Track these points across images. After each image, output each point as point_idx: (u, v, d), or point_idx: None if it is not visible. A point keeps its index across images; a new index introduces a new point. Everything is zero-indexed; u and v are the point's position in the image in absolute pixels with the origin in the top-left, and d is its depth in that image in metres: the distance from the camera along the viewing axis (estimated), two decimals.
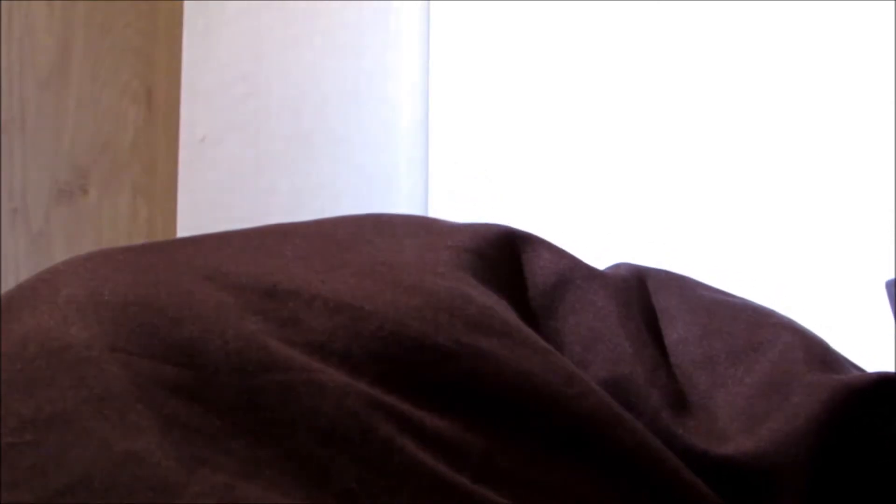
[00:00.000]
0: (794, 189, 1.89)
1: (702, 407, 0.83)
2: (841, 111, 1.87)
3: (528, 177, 2.13)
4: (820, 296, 1.79)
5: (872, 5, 1.83)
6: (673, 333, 0.88)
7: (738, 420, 0.81)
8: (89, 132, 2.05)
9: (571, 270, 0.88)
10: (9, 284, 1.88)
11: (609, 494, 0.71)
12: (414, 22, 2.24)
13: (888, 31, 1.81)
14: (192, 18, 2.15)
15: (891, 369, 0.92)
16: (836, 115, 1.87)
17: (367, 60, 2.19)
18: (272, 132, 2.15)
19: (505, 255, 0.85)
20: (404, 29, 2.23)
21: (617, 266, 0.96)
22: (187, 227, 2.19)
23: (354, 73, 2.18)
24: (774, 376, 0.84)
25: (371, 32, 2.20)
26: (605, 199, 2.03)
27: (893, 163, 1.82)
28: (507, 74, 2.17)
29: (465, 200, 2.19)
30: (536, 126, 2.10)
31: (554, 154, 2.07)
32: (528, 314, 0.84)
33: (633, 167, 2.03)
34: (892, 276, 1.41)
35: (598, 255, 1.03)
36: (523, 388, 0.71)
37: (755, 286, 1.76)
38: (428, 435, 0.65)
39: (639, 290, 0.90)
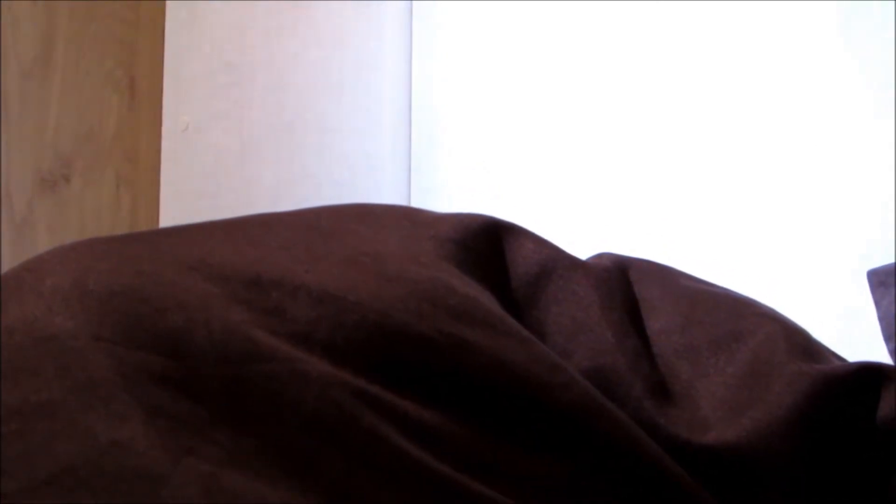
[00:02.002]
0: (777, 180, 1.90)
1: (684, 396, 0.83)
2: (825, 106, 1.87)
3: (512, 166, 2.13)
4: (801, 285, 1.80)
5: (873, 5, 1.83)
6: (655, 323, 0.89)
7: (720, 410, 0.82)
8: (72, 121, 2.05)
9: (554, 260, 0.88)
10: None
11: (591, 484, 0.71)
12: (397, 12, 2.24)
13: (888, 31, 1.82)
14: (175, 7, 2.14)
15: (872, 359, 0.92)
16: (820, 109, 1.88)
17: (351, 50, 2.19)
18: (256, 121, 2.15)
19: (488, 245, 0.85)
20: (387, 19, 2.23)
21: (599, 256, 0.96)
22: (170, 216, 2.19)
23: (338, 62, 2.18)
24: (756, 366, 0.84)
25: (354, 22, 2.20)
26: (590, 187, 2.04)
27: (877, 156, 1.82)
28: (489, 64, 2.17)
29: (447, 189, 2.19)
30: (518, 115, 2.10)
31: (535, 143, 2.08)
32: (511, 304, 0.85)
33: (620, 157, 2.03)
34: (874, 266, 1.42)
35: (584, 243, 1.04)
36: (506, 378, 0.71)
37: (738, 276, 1.77)
38: (412, 424, 0.66)
39: (621, 280, 0.91)
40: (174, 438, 0.59)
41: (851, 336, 1.56)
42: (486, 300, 0.77)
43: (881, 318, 1.35)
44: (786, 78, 1.91)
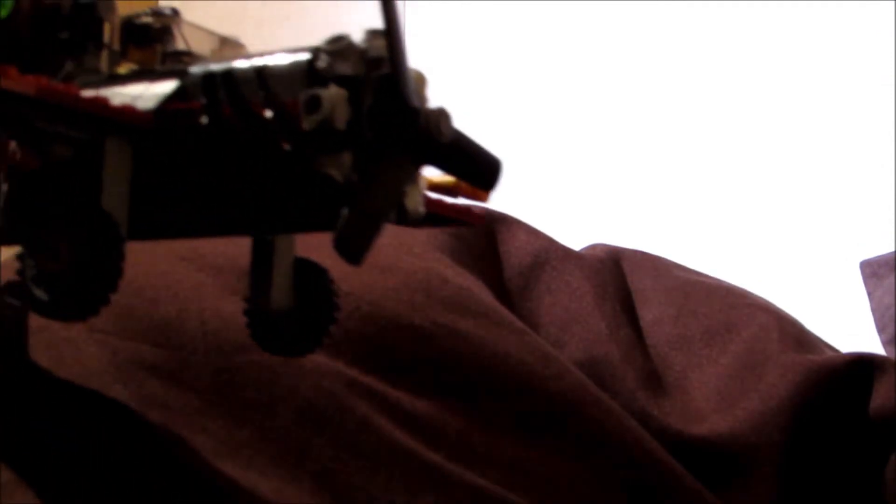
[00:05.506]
0: (770, 171, 1.90)
1: (677, 387, 0.83)
2: (824, 101, 1.88)
3: (505, 158, 2.13)
4: (794, 276, 1.80)
5: (872, 5, 1.83)
6: (648, 314, 0.89)
7: (713, 400, 0.82)
8: None
9: (547, 251, 0.88)
10: None
11: (585, 474, 0.71)
12: None
13: (888, 31, 1.82)
14: None
15: (864, 349, 0.92)
16: (820, 104, 1.88)
17: None
18: None
19: (481, 235, 0.85)
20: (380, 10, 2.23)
21: (592, 247, 0.96)
22: None
23: None
24: (749, 357, 0.84)
25: (347, 11, 2.19)
26: (584, 178, 2.04)
27: (867, 147, 1.82)
28: (481, 58, 2.16)
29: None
30: (510, 108, 2.10)
31: (528, 136, 2.08)
32: (504, 295, 0.85)
33: (615, 145, 2.03)
34: (866, 257, 1.42)
35: (578, 233, 1.04)
36: (499, 369, 0.71)
37: (733, 267, 1.77)
38: (405, 414, 0.66)
39: (614, 271, 0.91)
40: (167, 429, 0.59)
41: (845, 327, 1.56)
42: (480, 291, 0.77)
43: (874, 309, 1.35)
44: (784, 72, 1.91)
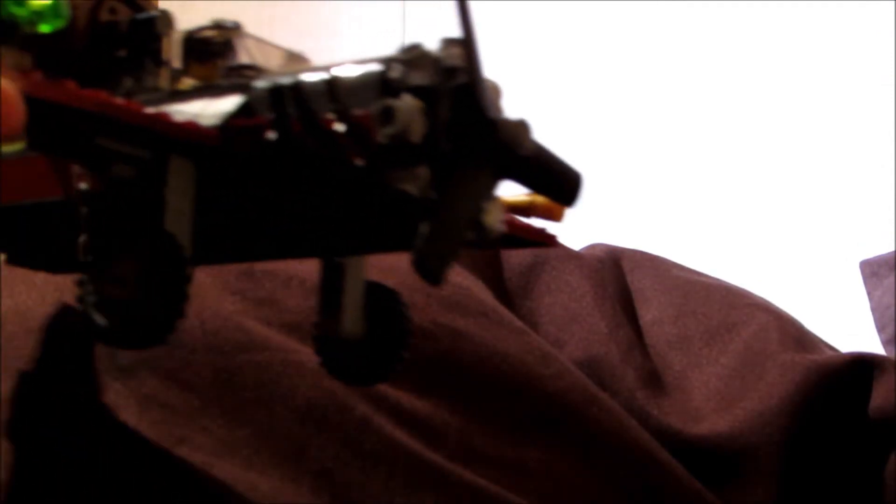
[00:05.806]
0: (770, 172, 1.90)
1: (676, 387, 0.83)
2: (825, 100, 1.88)
3: None
4: (795, 276, 1.80)
5: (872, 5, 1.83)
6: (648, 313, 0.89)
7: (713, 400, 0.82)
8: None
9: (547, 251, 0.88)
10: None
11: (585, 474, 0.71)
12: (390, 7, 2.24)
13: (888, 31, 1.82)
14: None
15: (864, 349, 0.92)
16: (813, 104, 1.88)
17: (343, 38, 2.19)
18: None
19: None
20: (380, 5, 2.23)
21: (592, 246, 0.96)
22: None
23: (330, 52, 2.18)
24: (748, 356, 0.84)
25: (347, 10, 2.20)
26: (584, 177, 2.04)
27: (867, 147, 1.82)
28: (481, 52, 2.16)
29: None
30: (510, 107, 2.10)
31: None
32: (504, 294, 0.85)
33: (615, 150, 2.03)
34: (866, 257, 1.42)
35: (579, 233, 1.03)
36: (499, 368, 0.71)
37: (731, 267, 1.77)
38: (405, 414, 0.66)
39: (614, 271, 0.91)
40: (167, 428, 0.59)
41: (845, 327, 1.57)
42: (479, 290, 0.77)
43: (873, 309, 1.35)
44: (784, 72, 1.91)
